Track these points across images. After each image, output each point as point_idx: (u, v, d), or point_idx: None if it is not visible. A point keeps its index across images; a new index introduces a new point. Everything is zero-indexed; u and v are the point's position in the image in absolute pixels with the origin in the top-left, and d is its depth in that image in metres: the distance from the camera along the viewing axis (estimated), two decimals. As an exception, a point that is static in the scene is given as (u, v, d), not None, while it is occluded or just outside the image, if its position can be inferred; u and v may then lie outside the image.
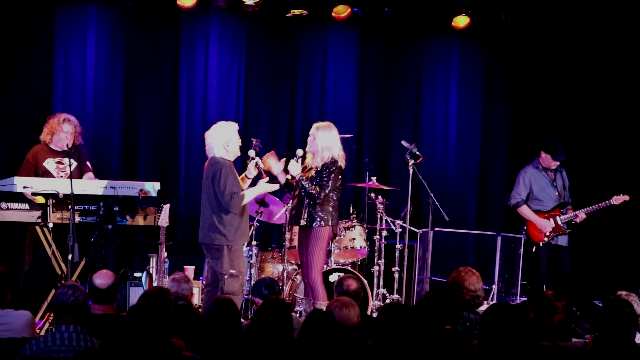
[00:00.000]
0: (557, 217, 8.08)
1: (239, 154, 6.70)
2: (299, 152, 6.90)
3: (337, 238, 7.90)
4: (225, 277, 6.43)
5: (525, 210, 8.10)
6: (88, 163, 7.36)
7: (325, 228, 6.78)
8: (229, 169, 6.51)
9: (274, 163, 6.83)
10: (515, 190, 8.17)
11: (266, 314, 4.10)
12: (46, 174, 7.13)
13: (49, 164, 7.22)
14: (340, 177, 6.82)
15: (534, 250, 8.09)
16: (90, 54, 8.90)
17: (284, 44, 9.75)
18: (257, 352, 3.98)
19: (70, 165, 6.79)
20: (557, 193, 8.11)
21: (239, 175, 6.69)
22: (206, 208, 6.56)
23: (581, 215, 8.02)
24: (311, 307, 6.75)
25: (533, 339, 4.05)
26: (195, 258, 8.09)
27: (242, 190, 6.56)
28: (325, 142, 6.79)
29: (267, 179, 6.68)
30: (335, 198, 6.84)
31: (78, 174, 7.23)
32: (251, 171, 6.73)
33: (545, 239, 8.06)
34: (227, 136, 6.58)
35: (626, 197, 7.96)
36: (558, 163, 8.05)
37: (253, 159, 6.71)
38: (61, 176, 7.13)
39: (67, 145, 7.02)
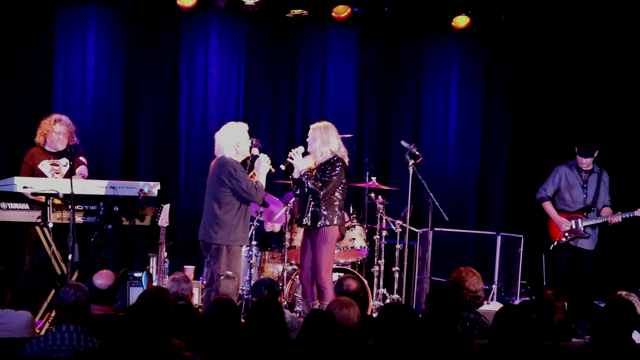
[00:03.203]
0: (579, 220, 8.07)
1: (248, 154, 6.70)
2: (300, 148, 6.88)
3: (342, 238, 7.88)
4: (221, 278, 6.43)
5: (547, 207, 8.20)
6: (81, 158, 7.34)
7: (331, 227, 6.74)
8: (240, 166, 6.54)
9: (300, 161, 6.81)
10: (543, 185, 8.28)
11: (257, 313, 4.10)
12: (41, 176, 7.12)
13: (44, 166, 7.23)
14: (344, 174, 6.78)
15: (550, 248, 8.19)
16: (90, 54, 8.90)
17: (284, 44, 9.74)
18: (252, 351, 3.98)
19: (66, 166, 6.79)
20: (584, 196, 8.11)
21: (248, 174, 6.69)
22: (209, 206, 6.56)
23: (616, 218, 8.01)
24: (309, 308, 6.75)
25: (536, 340, 4.06)
26: (195, 258, 8.07)
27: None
28: (322, 138, 6.77)
29: (267, 160, 6.66)
30: (340, 197, 6.80)
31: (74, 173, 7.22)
32: (260, 169, 6.68)
33: (563, 239, 8.09)
34: (238, 137, 6.58)
35: None
36: (588, 161, 8.05)
37: (257, 156, 6.71)
38: (56, 177, 7.13)
39: (64, 145, 7.03)
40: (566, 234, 8.10)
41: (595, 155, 8.08)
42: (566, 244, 8.11)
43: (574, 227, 8.07)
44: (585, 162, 8.07)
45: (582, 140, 8.16)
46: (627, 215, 8.02)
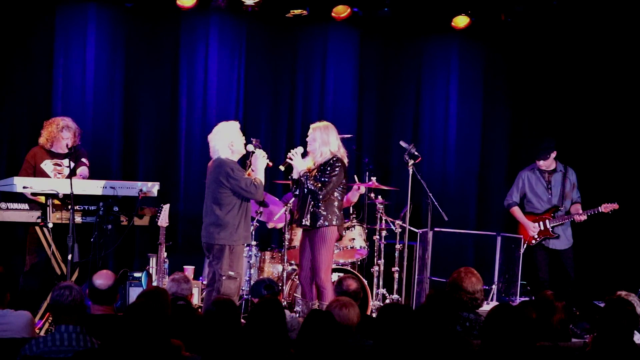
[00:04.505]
0: (547, 221, 8.13)
1: (244, 152, 6.68)
2: (299, 149, 6.88)
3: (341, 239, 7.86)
4: (223, 278, 6.43)
5: (515, 212, 8.35)
6: (84, 159, 7.35)
7: (330, 228, 6.73)
8: (237, 166, 6.53)
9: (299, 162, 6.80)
10: (509, 192, 8.44)
11: (259, 313, 4.10)
12: (43, 175, 7.12)
13: (47, 165, 7.23)
14: (344, 175, 6.78)
15: (522, 251, 8.31)
16: (90, 54, 8.90)
17: (284, 44, 9.74)
18: (252, 351, 3.98)
19: (68, 167, 6.80)
20: (549, 196, 8.17)
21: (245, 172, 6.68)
22: (209, 208, 6.55)
23: (582, 216, 8.05)
24: (308, 308, 6.76)
25: (535, 340, 4.05)
26: (195, 258, 8.09)
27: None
28: (322, 138, 6.77)
29: (264, 155, 6.65)
30: (340, 197, 6.81)
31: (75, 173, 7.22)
32: (257, 165, 6.66)
33: (533, 241, 8.16)
34: (231, 136, 6.56)
35: (615, 206, 8.00)
36: (546, 163, 8.12)
37: (253, 152, 6.70)
38: (58, 178, 7.13)
39: (68, 145, 7.04)
40: (536, 236, 8.16)
41: (552, 155, 8.12)
42: (539, 245, 8.16)
43: (542, 228, 8.15)
44: (543, 165, 8.17)
45: (535, 143, 8.26)
46: (592, 212, 8.07)
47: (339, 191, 6.79)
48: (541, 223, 8.16)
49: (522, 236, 8.37)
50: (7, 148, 8.59)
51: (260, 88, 9.67)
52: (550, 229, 8.14)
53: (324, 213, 6.72)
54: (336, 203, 6.78)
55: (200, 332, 4.40)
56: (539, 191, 8.22)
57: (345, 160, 6.84)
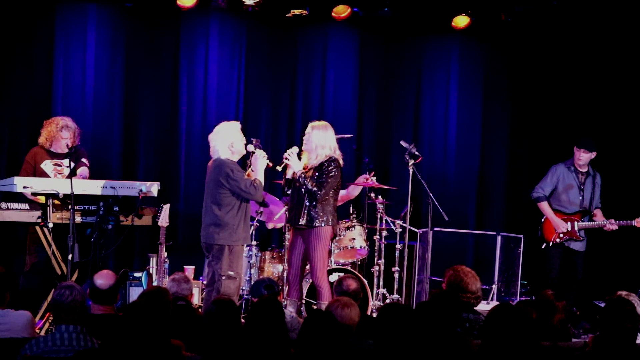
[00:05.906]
0: (576, 223, 8.04)
1: (244, 152, 6.69)
2: (294, 149, 6.89)
3: (336, 238, 7.87)
4: (223, 278, 6.44)
5: (544, 206, 8.12)
6: (84, 160, 7.36)
7: (326, 228, 6.75)
8: (237, 166, 6.54)
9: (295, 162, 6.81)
10: (540, 184, 8.20)
11: (259, 313, 4.10)
12: (43, 175, 7.13)
13: (47, 165, 7.23)
14: (340, 176, 6.81)
15: (543, 247, 8.14)
16: (90, 54, 8.90)
17: (284, 44, 9.74)
18: (252, 351, 3.98)
19: (69, 167, 6.80)
20: (581, 198, 8.06)
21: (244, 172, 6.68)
22: (209, 208, 6.56)
23: (613, 226, 7.98)
24: (295, 306, 6.76)
25: (535, 340, 4.05)
26: (195, 258, 8.09)
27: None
28: (320, 141, 6.78)
29: (264, 155, 6.66)
30: (334, 197, 6.84)
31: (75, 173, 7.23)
32: (257, 165, 6.67)
33: (557, 239, 8.06)
34: (231, 136, 6.57)
35: None
36: (587, 157, 7.96)
37: (254, 152, 6.70)
38: (58, 178, 7.13)
39: (67, 145, 7.04)
40: (561, 235, 8.07)
41: (593, 155, 8.06)
42: (559, 245, 8.09)
43: (569, 229, 8.05)
44: (584, 158, 7.99)
45: (582, 137, 8.11)
46: (624, 224, 7.97)
47: (333, 191, 6.81)
48: (570, 224, 8.05)
49: (544, 232, 8.20)
50: (7, 148, 8.59)
51: (260, 88, 9.66)
52: (578, 232, 8.05)
53: (320, 213, 6.74)
54: (332, 202, 6.80)
55: (200, 332, 4.40)
56: (572, 190, 8.06)
57: (341, 161, 6.85)
